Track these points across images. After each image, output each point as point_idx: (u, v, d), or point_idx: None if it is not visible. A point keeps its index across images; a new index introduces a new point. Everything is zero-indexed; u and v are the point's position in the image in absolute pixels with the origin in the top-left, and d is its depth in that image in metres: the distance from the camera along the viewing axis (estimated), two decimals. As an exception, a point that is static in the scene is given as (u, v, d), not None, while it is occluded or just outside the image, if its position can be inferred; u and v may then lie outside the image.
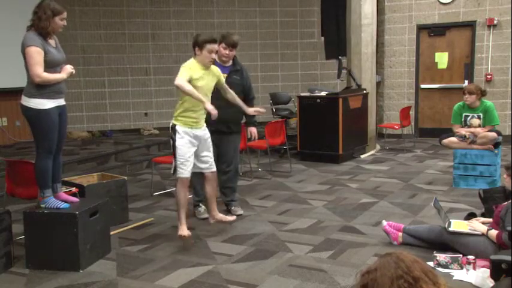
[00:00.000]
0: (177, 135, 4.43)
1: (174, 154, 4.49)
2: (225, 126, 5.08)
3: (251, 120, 5.35)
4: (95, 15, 10.01)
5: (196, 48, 4.37)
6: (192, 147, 4.48)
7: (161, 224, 5.19)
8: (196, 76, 4.34)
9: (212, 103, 4.94)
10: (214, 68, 4.57)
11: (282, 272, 3.89)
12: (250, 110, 5.08)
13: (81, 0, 9.85)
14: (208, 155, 4.66)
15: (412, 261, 1.71)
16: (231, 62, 5.14)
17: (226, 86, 4.71)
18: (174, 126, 4.48)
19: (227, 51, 4.93)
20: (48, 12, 3.89)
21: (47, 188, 4.11)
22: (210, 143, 4.66)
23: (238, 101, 4.81)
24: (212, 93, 4.84)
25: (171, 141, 4.51)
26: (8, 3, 8.30)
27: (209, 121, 4.57)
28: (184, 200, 4.53)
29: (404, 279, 1.65)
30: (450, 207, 5.40)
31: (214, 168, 4.73)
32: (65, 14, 4.00)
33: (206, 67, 4.45)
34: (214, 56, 4.42)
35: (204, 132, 4.61)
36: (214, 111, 4.27)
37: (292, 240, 4.59)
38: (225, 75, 5.02)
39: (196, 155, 4.56)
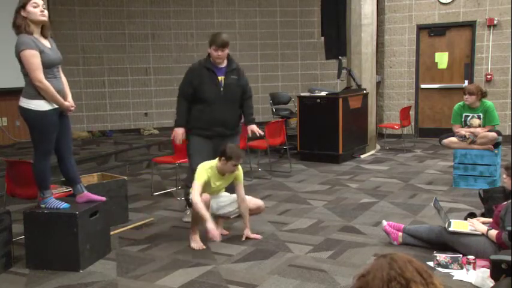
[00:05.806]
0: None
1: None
2: (223, 128, 5.08)
3: (249, 119, 5.30)
4: (95, 15, 10.00)
5: (223, 158, 4.44)
6: None
7: (161, 224, 5.19)
8: (214, 182, 4.50)
9: (210, 106, 4.98)
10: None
11: (282, 272, 3.89)
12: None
13: (81, 0, 9.85)
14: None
15: (406, 261, 1.65)
16: (226, 63, 5.09)
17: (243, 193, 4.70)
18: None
19: (219, 52, 4.94)
20: (17, 7, 3.78)
21: (46, 189, 4.11)
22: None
23: (244, 207, 4.67)
24: (211, 95, 4.96)
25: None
26: (8, 3, 8.28)
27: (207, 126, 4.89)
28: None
29: (397, 280, 1.60)
30: (450, 207, 5.40)
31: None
32: (37, 1, 3.82)
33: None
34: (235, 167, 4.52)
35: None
36: (214, 231, 4.23)
37: (292, 240, 4.59)
38: (223, 77, 5.02)
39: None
